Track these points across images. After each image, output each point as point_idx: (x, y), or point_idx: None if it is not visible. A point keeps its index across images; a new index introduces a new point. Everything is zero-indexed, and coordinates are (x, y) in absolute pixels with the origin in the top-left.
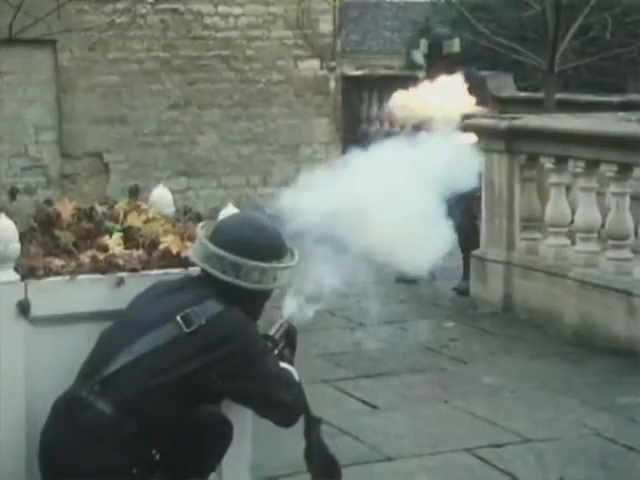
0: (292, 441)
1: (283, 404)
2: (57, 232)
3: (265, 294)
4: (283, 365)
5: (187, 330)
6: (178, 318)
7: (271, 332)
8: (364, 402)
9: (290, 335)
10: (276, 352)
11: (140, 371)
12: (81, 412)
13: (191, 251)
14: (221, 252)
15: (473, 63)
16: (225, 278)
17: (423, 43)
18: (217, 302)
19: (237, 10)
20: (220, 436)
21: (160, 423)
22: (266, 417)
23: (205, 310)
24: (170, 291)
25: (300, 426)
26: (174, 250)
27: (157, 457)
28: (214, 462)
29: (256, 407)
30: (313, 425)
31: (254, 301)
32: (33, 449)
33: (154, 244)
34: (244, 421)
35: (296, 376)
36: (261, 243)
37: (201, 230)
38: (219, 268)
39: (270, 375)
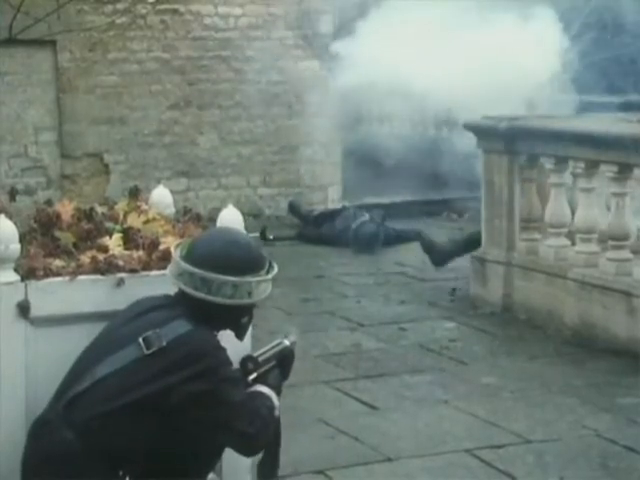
0: (292, 441)
1: (242, 435)
2: (57, 233)
3: (242, 310)
4: (260, 389)
5: (147, 352)
6: (140, 340)
7: (257, 352)
8: (364, 403)
9: (285, 357)
10: (255, 375)
11: (102, 392)
12: (47, 436)
13: (167, 270)
14: (190, 268)
15: None
16: (196, 294)
17: None
18: (185, 322)
19: (237, 11)
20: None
21: (126, 445)
22: (226, 445)
23: (169, 331)
24: (145, 311)
25: (301, 425)
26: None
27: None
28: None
29: (216, 435)
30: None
31: (231, 318)
32: None
33: (154, 244)
34: None
35: (275, 402)
36: (233, 257)
37: (176, 249)
38: (191, 284)
39: (232, 402)
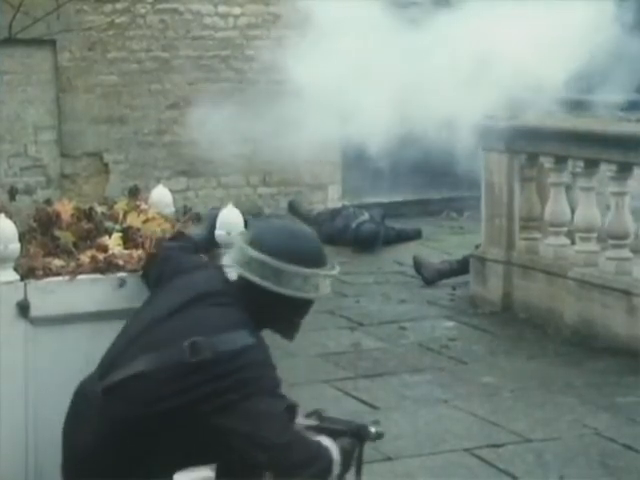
0: None
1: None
2: (57, 232)
3: (304, 305)
4: (319, 438)
5: (192, 360)
6: (186, 344)
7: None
8: (364, 402)
9: (359, 437)
10: (314, 423)
11: (138, 391)
12: (85, 414)
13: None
14: (262, 256)
15: None
16: (263, 284)
17: None
18: (247, 335)
19: (237, 10)
20: None
21: (142, 452)
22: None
23: (224, 342)
24: (197, 300)
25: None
26: None
27: None
28: None
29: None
30: None
31: (291, 313)
32: (33, 449)
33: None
34: None
35: (334, 455)
36: (305, 249)
37: (240, 236)
38: (259, 273)
39: (273, 411)
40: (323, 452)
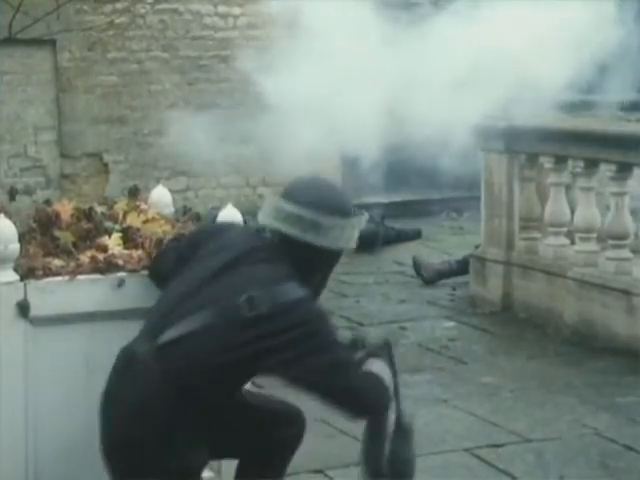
0: None
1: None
2: (56, 232)
3: (338, 257)
4: (373, 368)
5: (249, 314)
6: (243, 299)
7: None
8: None
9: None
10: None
11: (197, 345)
12: (137, 373)
13: (260, 215)
14: (299, 210)
15: None
16: (305, 238)
17: None
18: (298, 287)
19: (236, 10)
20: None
21: (202, 401)
22: (331, 406)
23: (279, 294)
24: (244, 257)
25: None
26: None
27: (184, 434)
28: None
29: (320, 397)
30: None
31: (326, 266)
32: (33, 449)
33: (156, 244)
34: None
35: (386, 379)
36: (337, 200)
37: (272, 195)
38: (298, 228)
39: (337, 361)
40: (381, 382)
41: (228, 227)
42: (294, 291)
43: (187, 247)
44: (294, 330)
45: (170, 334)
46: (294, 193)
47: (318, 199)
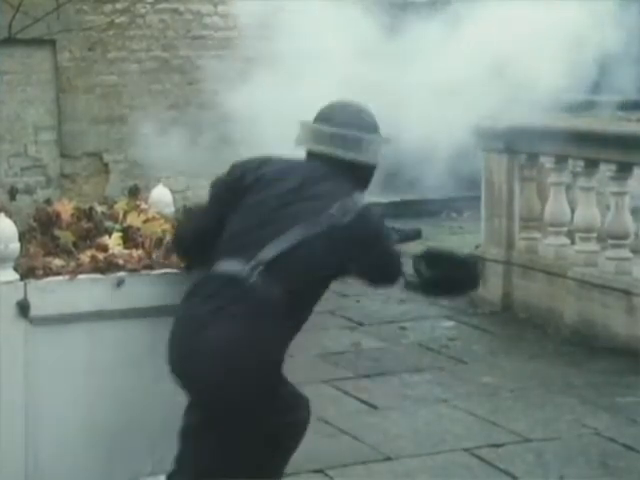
0: None
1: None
2: (57, 232)
3: (374, 173)
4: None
5: (344, 220)
6: (334, 209)
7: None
8: (363, 402)
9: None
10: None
11: (301, 258)
12: (247, 291)
13: (298, 142)
14: (340, 130)
15: None
16: (348, 155)
17: None
18: (360, 195)
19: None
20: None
21: (304, 306)
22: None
23: (354, 203)
24: (306, 181)
25: None
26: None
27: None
28: None
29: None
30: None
31: (367, 182)
32: (33, 449)
33: (157, 244)
34: None
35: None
36: (371, 119)
37: (304, 123)
38: (341, 147)
39: (397, 256)
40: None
41: (263, 161)
42: (361, 199)
43: (225, 190)
44: (374, 231)
45: (268, 253)
46: (331, 116)
47: (355, 119)
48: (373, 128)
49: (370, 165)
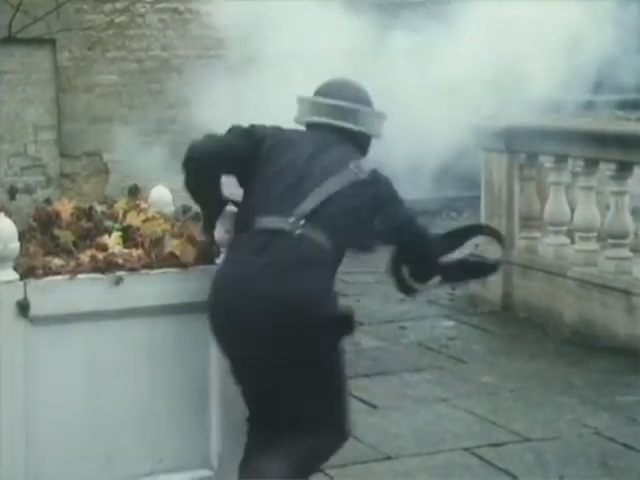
0: None
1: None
2: (56, 231)
3: (369, 143)
4: None
5: (361, 177)
6: (352, 166)
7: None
8: (363, 401)
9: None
10: None
11: (332, 208)
12: (294, 243)
13: (298, 115)
14: (341, 103)
15: None
16: (348, 125)
17: None
18: (362, 160)
19: None
20: None
21: (340, 259)
22: (409, 253)
23: (363, 165)
24: (320, 146)
25: None
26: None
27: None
28: None
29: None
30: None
31: (364, 150)
32: (33, 449)
33: (156, 243)
34: (243, 421)
35: None
36: (363, 93)
37: (303, 98)
38: (340, 117)
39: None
40: None
41: (277, 128)
42: (369, 163)
43: (247, 139)
44: (387, 190)
45: (308, 206)
46: (331, 91)
47: (351, 93)
48: (368, 102)
49: (367, 135)
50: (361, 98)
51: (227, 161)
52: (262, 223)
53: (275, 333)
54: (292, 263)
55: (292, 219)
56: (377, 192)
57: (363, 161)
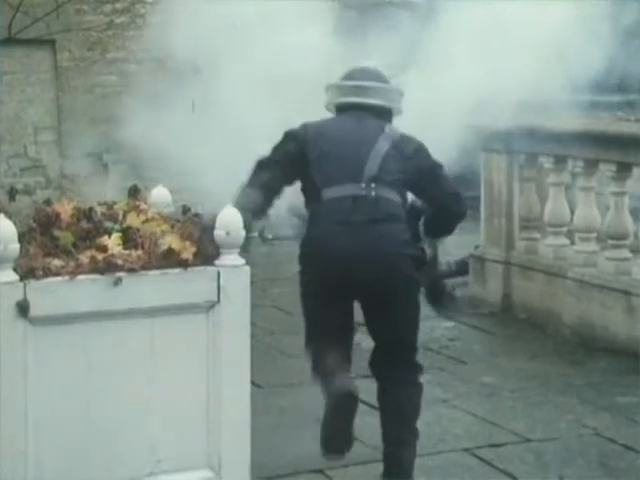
0: (292, 440)
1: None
2: (56, 232)
3: (393, 114)
4: None
5: (396, 137)
6: (387, 130)
7: None
8: (364, 402)
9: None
10: None
11: (387, 167)
12: (373, 204)
13: (327, 101)
14: (363, 83)
15: None
16: (372, 101)
17: None
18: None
19: None
20: None
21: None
22: (446, 204)
23: (393, 128)
24: (358, 119)
25: (301, 425)
26: (179, 251)
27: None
28: None
29: (436, 195)
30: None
31: (389, 122)
32: (33, 449)
33: (156, 244)
34: (243, 421)
35: None
36: (381, 73)
37: (330, 83)
38: (365, 95)
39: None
40: None
41: (304, 126)
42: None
43: (290, 161)
44: (430, 159)
45: (372, 169)
46: (352, 75)
47: (371, 74)
48: (385, 80)
49: (388, 108)
50: (380, 77)
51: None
52: (338, 192)
53: (380, 272)
54: (377, 220)
55: (363, 184)
56: (418, 153)
57: (391, 126)
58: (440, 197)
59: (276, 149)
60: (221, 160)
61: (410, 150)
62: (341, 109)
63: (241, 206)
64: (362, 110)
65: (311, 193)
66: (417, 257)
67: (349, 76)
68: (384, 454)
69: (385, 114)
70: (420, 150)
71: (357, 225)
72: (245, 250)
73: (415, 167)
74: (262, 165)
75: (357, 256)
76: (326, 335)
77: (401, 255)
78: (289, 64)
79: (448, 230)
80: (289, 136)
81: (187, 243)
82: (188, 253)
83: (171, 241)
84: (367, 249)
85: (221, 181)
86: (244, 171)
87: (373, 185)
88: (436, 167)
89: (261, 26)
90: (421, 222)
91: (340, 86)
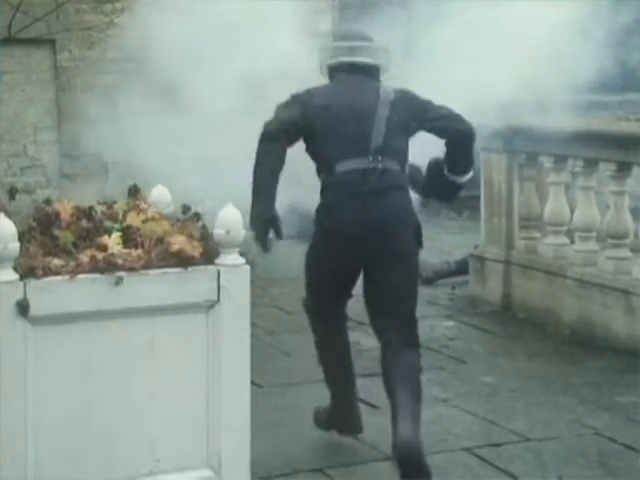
0: (292, 440)
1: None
2: (56, 232)
3: (381, 72)
4: None
5: (392, 97)
6: (381, 93)
7: None
8: (363, 402)
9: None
10: None
11: (389, 137)
12: (381, 176)
13: (320, 62)
14: (359, 43)
15: None
16: (364, 60)
17: None
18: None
19: None
20: None
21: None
22: (455, 131)
23: (386, 88)
24: (353, 85)
25: (301, 424)
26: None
27: None
28: None
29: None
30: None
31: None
32: (33, 449)
33: (159, 243)
34: (243, 421)
35: None
36: (368, 33)
37: (321, 45)
38: (364, 55)
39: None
40: None
41: (306, 93)
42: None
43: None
44: (421, 101)
45: (377, 141)
46: (345, 36)
47: (363, 34)
48: (372, 39)
49: (377, 66)
50: (367, 37)
51: (294, 134)
52: (348, 166)
53: (385, 239)
54: (384, 190)
55: (370, 157)
56: (412, 102)
57: (384, 85)
58: (444, 126)
59: (281, 111)
60: (219, 160)
61: (405, 107)
62: (334, 70)
63: (268, 198)
64: (355, 71)
65: (321, 163)
66: (418, 225)
67: (341, 37)
68: (392, 409)
69: (375, 72)
70: (412, 100)
71: (365, 196)
72: (267, 250)
73: (413, 118)
74: (269, 138)
75: (366, 225)
76: (326, 285)
77: (404, 225)
78: (289, 64)
79: (468, 158)
80: (295, 99)
81: (195, 243)
82: (195, 251)
83: (181, 241)
84: (374, 219)
85: (218, 179)
86: (242, 171)
87: (379, 158)
88: (427, 105)
89: (250, 26)
90: (443, 165)
91: (333, 47)
